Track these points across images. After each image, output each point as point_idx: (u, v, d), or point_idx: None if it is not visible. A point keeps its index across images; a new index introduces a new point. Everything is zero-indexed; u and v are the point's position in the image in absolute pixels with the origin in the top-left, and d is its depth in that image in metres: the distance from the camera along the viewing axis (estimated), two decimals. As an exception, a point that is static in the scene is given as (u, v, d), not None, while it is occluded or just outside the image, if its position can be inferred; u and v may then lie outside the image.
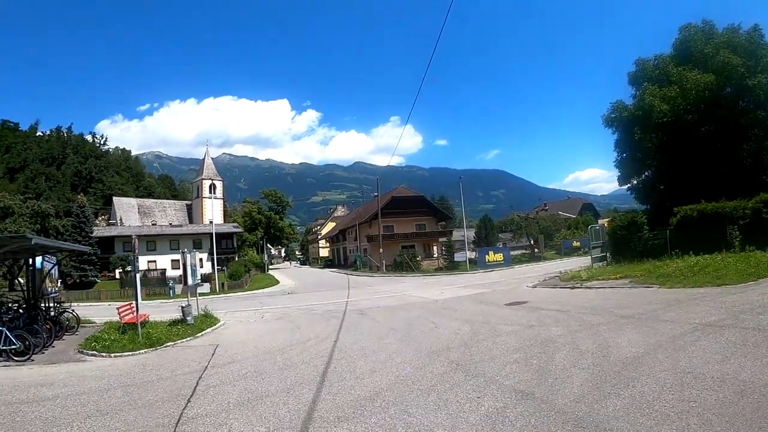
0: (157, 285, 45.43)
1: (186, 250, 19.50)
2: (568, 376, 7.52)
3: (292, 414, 6.88)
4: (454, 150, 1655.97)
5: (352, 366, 9.74)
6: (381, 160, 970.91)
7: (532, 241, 68.66)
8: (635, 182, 33.45)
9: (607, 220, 37.77)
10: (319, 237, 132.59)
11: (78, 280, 51.15)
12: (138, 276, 16.56)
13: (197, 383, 9.17)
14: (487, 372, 8.30)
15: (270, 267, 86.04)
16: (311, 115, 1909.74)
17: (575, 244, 64.05)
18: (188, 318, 17.29)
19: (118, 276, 59.94)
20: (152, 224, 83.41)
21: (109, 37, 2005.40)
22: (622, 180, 33.61)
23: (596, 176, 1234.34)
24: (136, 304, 15.37)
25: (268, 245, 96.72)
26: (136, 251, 16.50)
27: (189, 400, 7.94)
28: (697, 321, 10.61)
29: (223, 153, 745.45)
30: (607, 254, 29.69)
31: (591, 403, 6.21)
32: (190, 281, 18.95)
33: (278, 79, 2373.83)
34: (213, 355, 12.26)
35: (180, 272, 59.13)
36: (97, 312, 24.68)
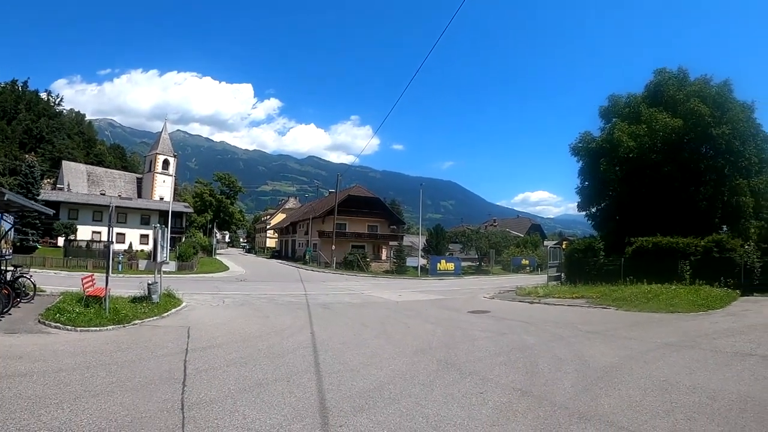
0: (102, 257, 43.93)
1: (158, 225, 18.89)
2: (558, 379, 8.18)
3: (303, 402, 6.86)
4: (409, 156, 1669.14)
5: (341, 358, 9.85)
6: (335, 158, 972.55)
7: (480, 254, 69.92)
8: (594, 210, 35.01)
9: (564, 242, 39.29)
10: (268, 227, 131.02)
11: (18, 244, 48.97)
12: (112, 248, 15.96)
13: (185, 366, 8.91)
14: (479, 371, 8.81)
15: (216, 252, 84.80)
16: (273, 104, 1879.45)
17: (524, 262, 65.88)
18: (154, 296, 16.89)
19: (61, 244, 57.65)
20: (101, 193, 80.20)
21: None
22: (581, 206, 35.20)
23: (545, 199, 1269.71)
24: (107, 277, 14.68)
25: (215, 229, 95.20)
26: (113, 221, 15.94)
27: (184, 384, 7.68)
28: (658, 341, 11.60)
29: (178, 129, 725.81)
30: (562, 274, 30.90)
31: (587, 401, 6.92)
32: (158, 258, 18.09)
33: (246, 63, 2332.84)
34: (188, 337, 11.95)
35: (124, 246, 58.43)
36: (45, 279, 23.44)
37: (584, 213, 35.75)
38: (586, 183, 34.55)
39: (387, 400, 7.05)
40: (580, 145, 33.97)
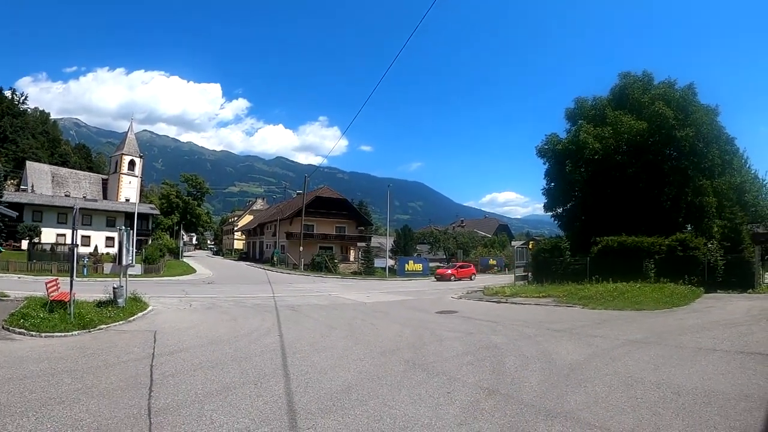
0: (67, 260, 42.73)
1: (123, 227, 18.43)
2: (524, 377, 8.28)
3: (271, 405, 6.81)
4: (377, 157, 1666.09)
5: (309, 361, 9.79)
6: (303, 158, 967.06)
7: (447, 255, 70.27)
8: (560, 210, 35.59)
9: (530, 242, 39.92)
10: (236, 228, 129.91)
11: (-21, 247, 47.38)
12: (76, 251, 15.67)
13: (151, 371, 8.79)
14: (446, 371, 8.83)
15: (183, 254, 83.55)
16: (241, 104, 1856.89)
17: (492, 262, 66.32)
18: (119, 300, 16.51)
19: (25, 247, 56.10)
20: (65, 195, 78.00)
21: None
22: (548, 207, 35.78)
23: (512, 199, 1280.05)
24: (71, 281, 14.32)
25: (182, 231, 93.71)
26: (77, 224, 15.61)
27: (151, 390, 7.57)
28: (624, 338, 11.88)
29: (145, 129, 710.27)
30: (529, 274, 31.24)
31: (554, 399, 7.01)
32: (124, 261, 17.64)
33: (215, 62, 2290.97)
34: (155, 342, 11.79)
35: (89, 249, 57.22)
36: (9, 284, 23.33)
37: (551, 213, 36.42)
38: (553, 184, 35.18)
39: (355, 401, 7.03)
40: (547, 147, 34.56)
